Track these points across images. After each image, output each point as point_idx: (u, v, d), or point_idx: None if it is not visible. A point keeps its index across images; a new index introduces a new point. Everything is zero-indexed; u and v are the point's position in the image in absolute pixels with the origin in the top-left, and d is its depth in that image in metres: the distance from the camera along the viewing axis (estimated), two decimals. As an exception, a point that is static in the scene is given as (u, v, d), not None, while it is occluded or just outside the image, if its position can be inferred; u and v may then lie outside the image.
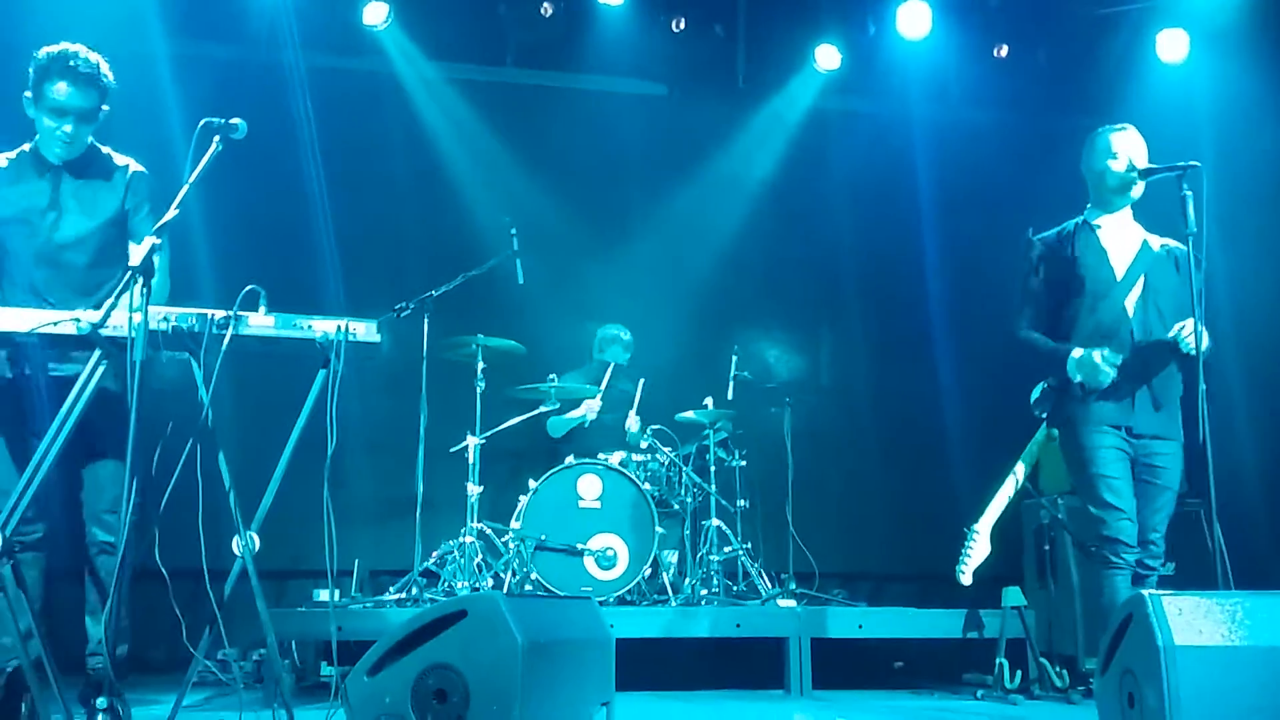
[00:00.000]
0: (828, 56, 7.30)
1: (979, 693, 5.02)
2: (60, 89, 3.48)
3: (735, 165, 7.50)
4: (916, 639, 5.53)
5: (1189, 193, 3.73)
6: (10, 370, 3.55)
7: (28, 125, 3.68)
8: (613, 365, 6.41)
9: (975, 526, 4.36)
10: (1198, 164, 3.76)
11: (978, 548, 4.38)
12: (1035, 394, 4.07)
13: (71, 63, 3.47)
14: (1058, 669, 5.00)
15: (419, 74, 7.10)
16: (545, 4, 6.94)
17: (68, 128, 3.54)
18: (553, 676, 3.29)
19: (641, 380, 6.35)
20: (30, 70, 3.51)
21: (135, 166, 3.78)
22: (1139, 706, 2.94)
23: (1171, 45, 6.93)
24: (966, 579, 4.36)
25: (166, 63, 6.30)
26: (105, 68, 3.58)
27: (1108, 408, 3.90)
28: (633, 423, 6.24)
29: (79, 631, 3.69)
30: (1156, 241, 4.06)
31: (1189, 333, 3.76)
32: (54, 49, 3.49)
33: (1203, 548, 3.71)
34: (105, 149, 3.75)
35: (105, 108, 3.63)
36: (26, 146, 3.68)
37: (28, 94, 3.54)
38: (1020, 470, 4.44)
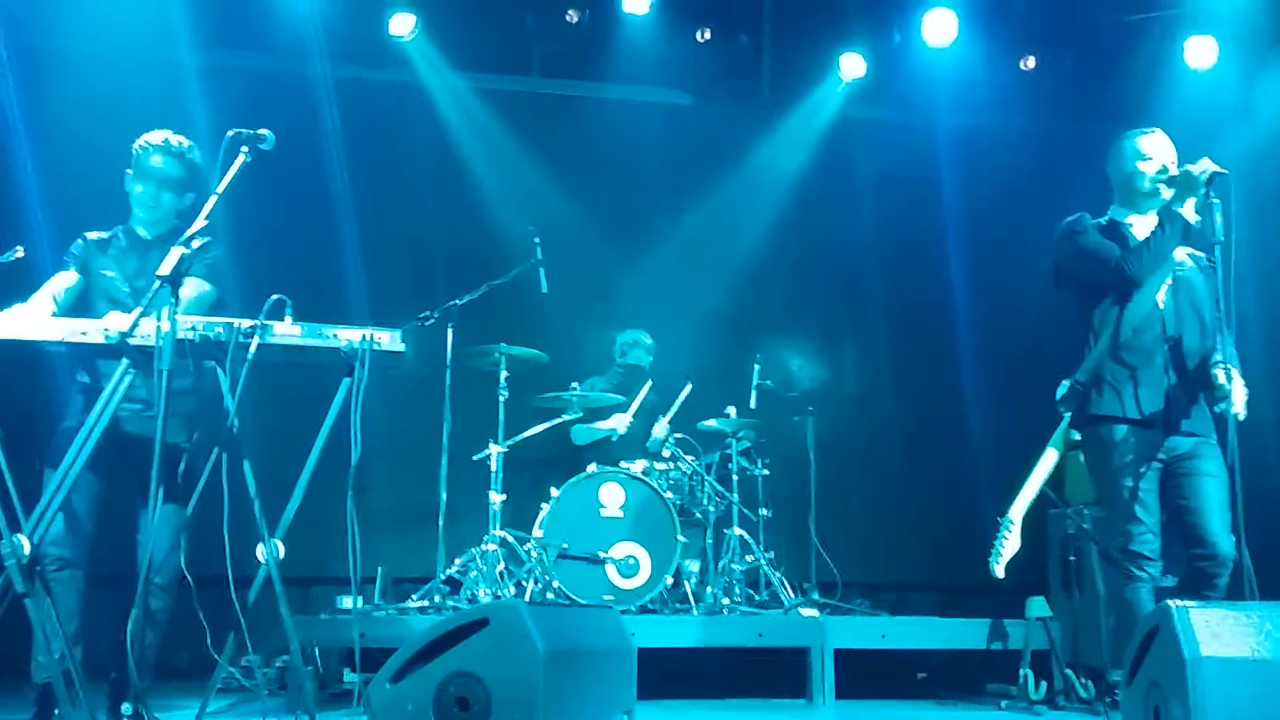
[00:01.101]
0: (853, 65, 7.28)
1: (1003, 704, 4.98)
2: (155, 160, 3.92)
3: (760, 174, 7.49)
4: (940, 649, 5.49)
5: (1217, 201, 3.70)
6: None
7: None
8: (648, 383, 6.39)
9: (1009, 515, 4.32)
10: (1226, 171, 3.73)
11: (1011, 538, 4.33)
12: (1061, 391, 4.00)
13: (167, 141, 3.94)
14: (1083, 680, 4.96)
15: (445, 84, 7.14)
16: (571, 11, 6.96)
17: (151, 188, 3.92)
18: (574, 685, 3.30)
19: (688, 385, 6.34)
20: (134, 150, 3.96)
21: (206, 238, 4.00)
22: (1165, 719, 2.92)
23: (1200, 51, 6.88)
24: (1000, 570, 4.31)
25: (195, 72, 6.38)
26: (196, 152, 4.01)
27: (1138, 401, 3.81)
28: (660, 429, 6.24)
29: (109, 637, 3.72)
30: (1179, 251, 4.00)
31: (1230, 396, 3.68)
32: (158, 132, 3.96)
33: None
34: (185, 226, 3.96)
35: (192, 193, 3.98)
36: (119, 227, 4.00)
37: (129, 170, 3.95)
38: (1052, 456, 4.38)
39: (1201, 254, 3.90)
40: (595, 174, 7.23)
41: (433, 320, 5.59)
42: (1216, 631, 2.85)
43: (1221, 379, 3.70)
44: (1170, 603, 2.99)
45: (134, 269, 3.89)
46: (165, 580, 3.67)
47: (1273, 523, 5.78)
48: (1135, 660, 3.15)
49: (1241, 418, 3.68)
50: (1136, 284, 3.85)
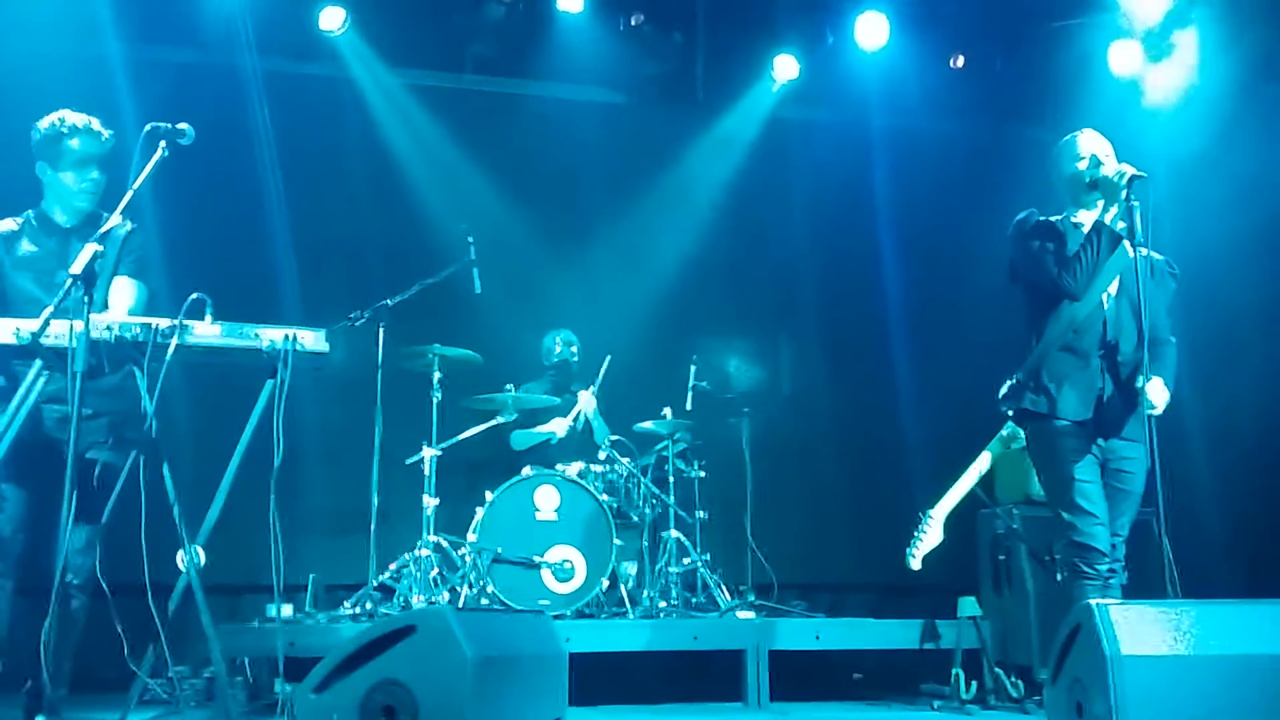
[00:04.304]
0: (786, 66, 7.32)
1: (935, 704, 5.03)
2: (76, 143, 3.70)
3: (694, 174, 7.50)
4: (874, 650, 5.53)
5: (1136, 203, 3.75)
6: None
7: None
8: (593, 404, 6.35)
9: (930, 511, 4.34)
10: (1145, 175, 3.78)
11: (930, 533, 4.35)
12: (1004, 389, 4.03)
13: (75, 121, 3.71)
14: (1013, 679, 5.01)
15: (376, 80, 7.02)
16: (506, -3, 6.88)
17: (94, 174, 3.75)
18: (504, 692, 3.26)
19: (608, 358, 6.30)
20: (37, 140, 3.72)
21: (129, 226, 3.85)
22: (1087, 716, 2.96)
23: (1123, 57, 7.00)
24: (916, 564, 4.35)
25: (121, 67, 6.21)
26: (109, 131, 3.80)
27: (1077, 403, 3.85)
28: (586, 400, 6.20)
29: (25, 646, 3.61)
30: (1132, 248, 4.04)
31: (1151, 394, 3.75)
32: (53, 117, 3.72)
33: (1154, 557, 3.71)
34: (104, 213, 3.79)
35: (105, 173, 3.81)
36: (30, 212, 3.81)
37: (40, 162, 3.72)
38: (985, 460, 4.40)
39: (1154, 254, 3.94)
40: (529, 173, 7.16)
41: (363, 320, 5.50)
42: (1137, 629, 2.90)
43: (1141, 382, 3.76)
44: (1091, 601, 3.03)
45: (54, 261, 3.71)
46: (81, 580, 3.56)
47: (1198, 520, 5.94)
48: (1059, 658, 3.19)
49: (1158, 413, 3.75)
50: (1074, 299, 3.90)
